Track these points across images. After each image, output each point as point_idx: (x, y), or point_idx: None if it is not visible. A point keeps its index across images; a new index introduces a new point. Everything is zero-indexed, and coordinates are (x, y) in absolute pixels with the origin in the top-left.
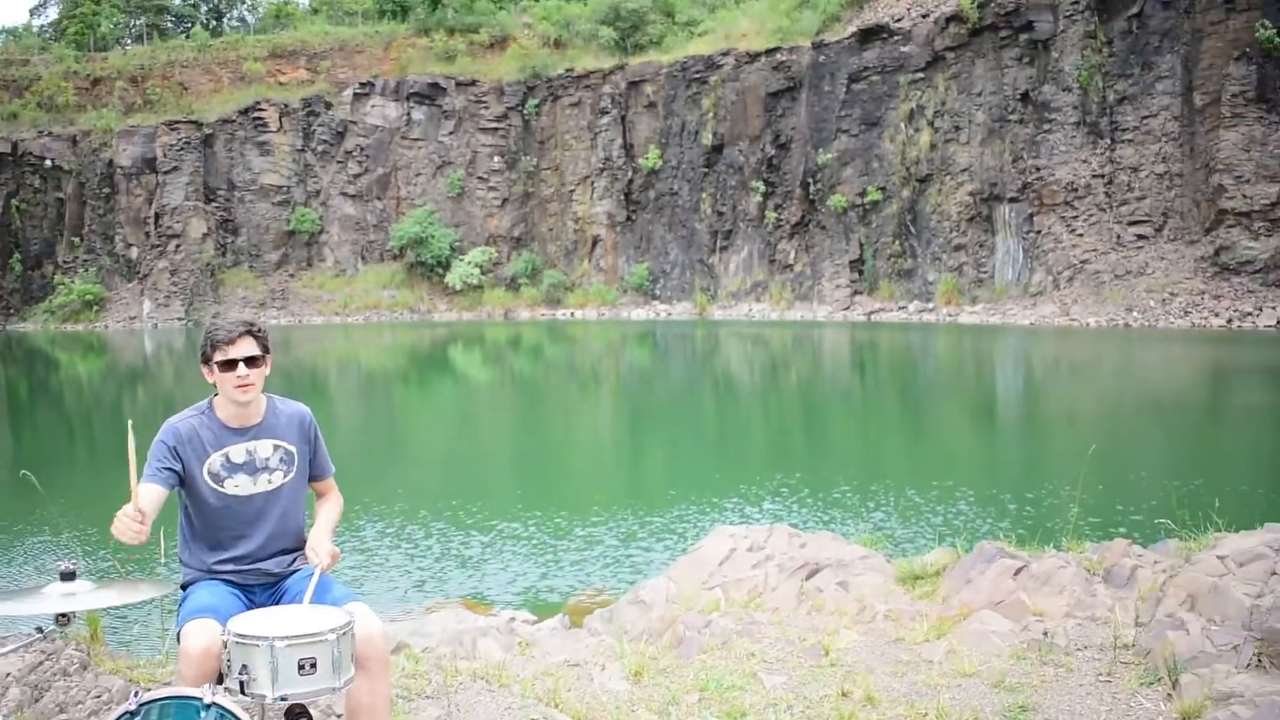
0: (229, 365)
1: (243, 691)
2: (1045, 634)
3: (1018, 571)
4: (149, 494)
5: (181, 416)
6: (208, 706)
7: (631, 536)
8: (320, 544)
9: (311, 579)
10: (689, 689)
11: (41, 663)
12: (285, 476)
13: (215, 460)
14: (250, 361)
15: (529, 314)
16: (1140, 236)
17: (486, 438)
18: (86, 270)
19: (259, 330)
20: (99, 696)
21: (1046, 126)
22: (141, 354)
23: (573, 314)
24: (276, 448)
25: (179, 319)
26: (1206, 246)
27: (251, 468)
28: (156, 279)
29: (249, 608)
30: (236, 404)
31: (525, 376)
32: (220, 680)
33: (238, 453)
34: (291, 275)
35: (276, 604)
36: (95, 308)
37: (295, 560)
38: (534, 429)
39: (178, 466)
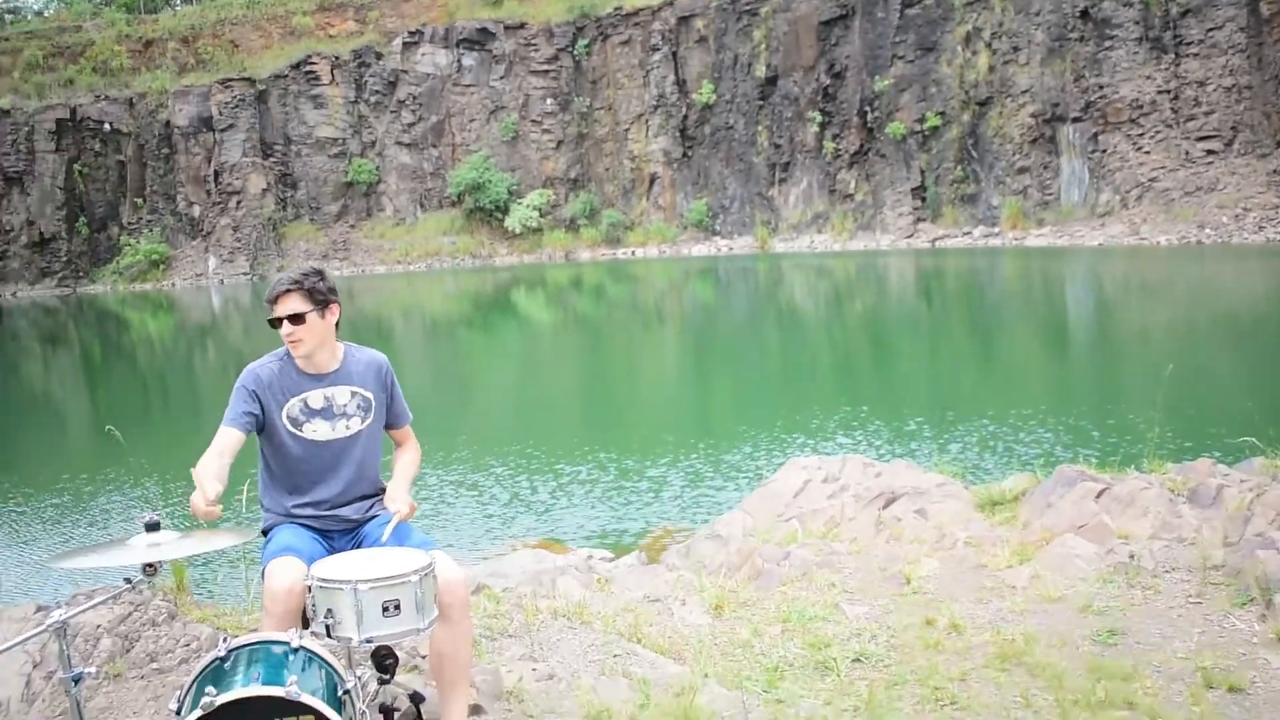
0: (276, 323)
1: (329, 635)
2: (1131, 556)
3: (1099, 494)
4: (228, 439)
5: (262, 362)
6: (295, 650)
7: (701, 474)
8: (398, 495)
9: (389, 524)
10: (771, 621)
11: (130, 614)
12: (363, 423)
13: (294, 405)
14: (295, 319)
15: (589, 255)
16: (1209, 152)
17: (553, 380)
18: (151, 230)
19: (311, 283)
20: (188, 645)
21: (1108, 43)
22: (209, 310)
23: (633, 253)
24: (354, 394)
25: (244, 274)
26: (1279, 160)
27: (329, 413)
28: (220, 236)
29: (329, 553)
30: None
31: (589, 317)
32: (306, 625)
33: (316, 398)
34: (352, 226)
35: (357, 548)
36: (162, 267)
37: (373, 506)
38: (600, 369)
39: (257, 410)
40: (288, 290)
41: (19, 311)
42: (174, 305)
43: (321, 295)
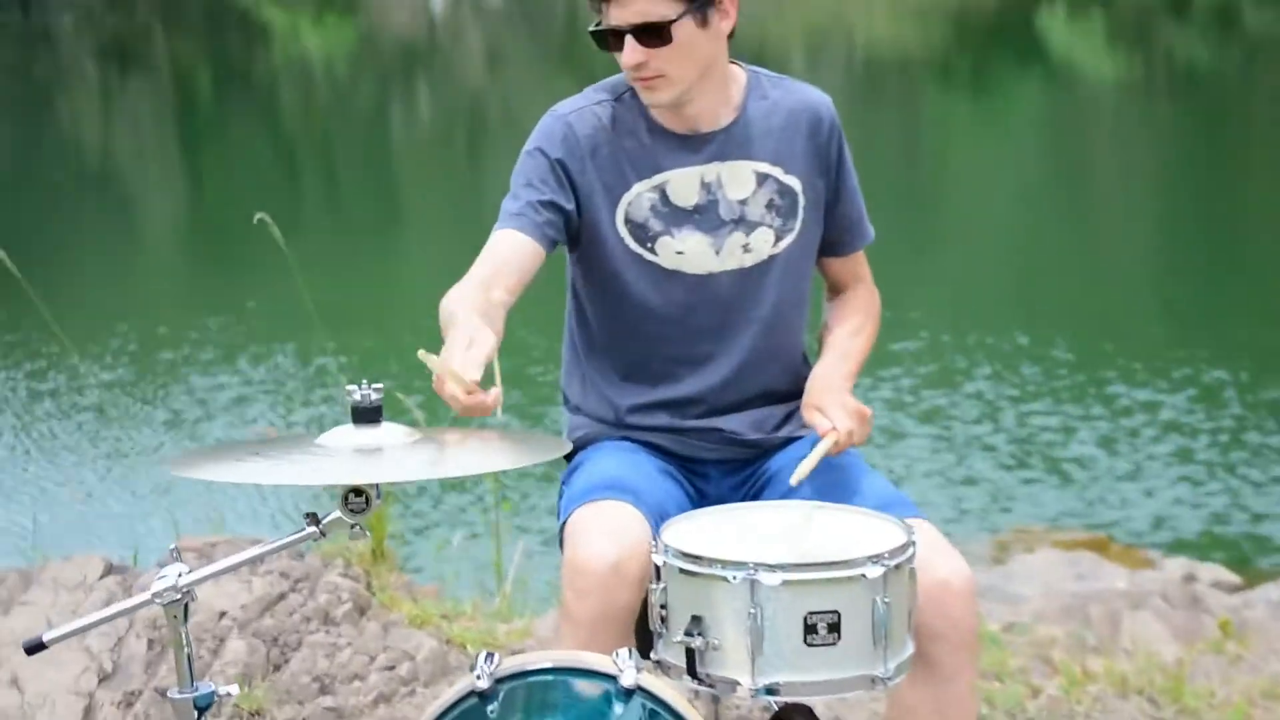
0: (611, 40)
1: (691, 671)
2: None
3: None
4: (507, 253)
5: (579, 103)
6: (626, 694)
7: None
8: (834, 394)
9: (815, 453)
10: None
11: (285, 594)
12: (779, 240)
13: (641, 195)
14: (648, 34)
15: None
16: None
17: (1115, 205)
18: None
19: None
20: (390, 667)
21: None
22: (425, 17)
23: None
24: (763, 179)
25: None
26: None
27: (711, 217)
28: None
29: (697, 503)
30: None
31: (1202, 75)
32: (645, 640)
33: (685, 184)
34: None
35: (752, 499)
36: None
37: (789, 420)
38: (1227, 204)
39: (570, 204)
40: None
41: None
42: (356, 1)
43: None
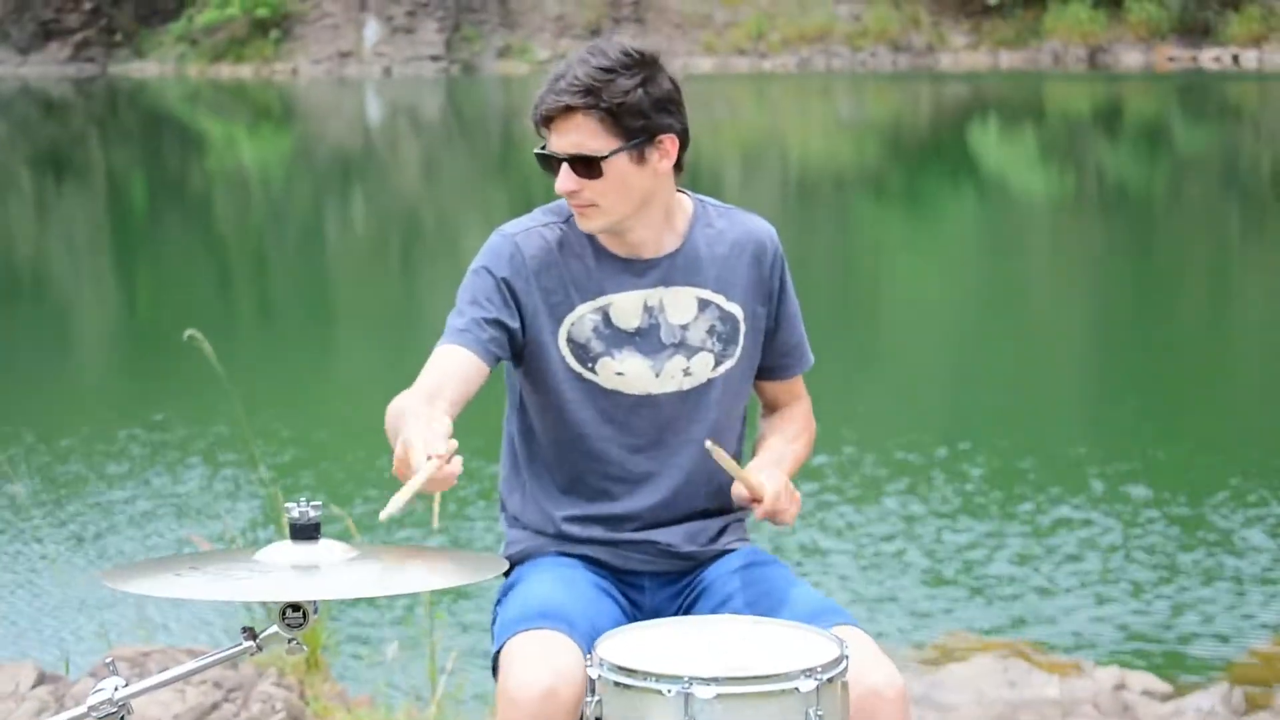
0: (548, 165)
1: None
2: None
3: None
4: (453, 368)
5: (527, 224)
6: None
7: None
8: (764, 475)
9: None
10: None
11: (218, 704)
12: (719, 364)
13: (584, 317)
14: (582, 165)
15: (1141, 56)
16: None
17: (1054, 319)
18: None
19: (620, 92)
20: None
21: None
22: (360, 126)
23: (1234, 58)
24: (705, 305)
25: (432, 57)
26: None
27: (653, 340)
28: None
29: (631, 616)
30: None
31: (1133, 192)
32: None
33: (627, 308)
34: None
35: (685, 612)
36: (273, 35)
37: (724, 533)
38: (1157, 314)
39: (514, 323)
40: (567, 107)
41: None
42: (291, 112)
43: (640, 117)
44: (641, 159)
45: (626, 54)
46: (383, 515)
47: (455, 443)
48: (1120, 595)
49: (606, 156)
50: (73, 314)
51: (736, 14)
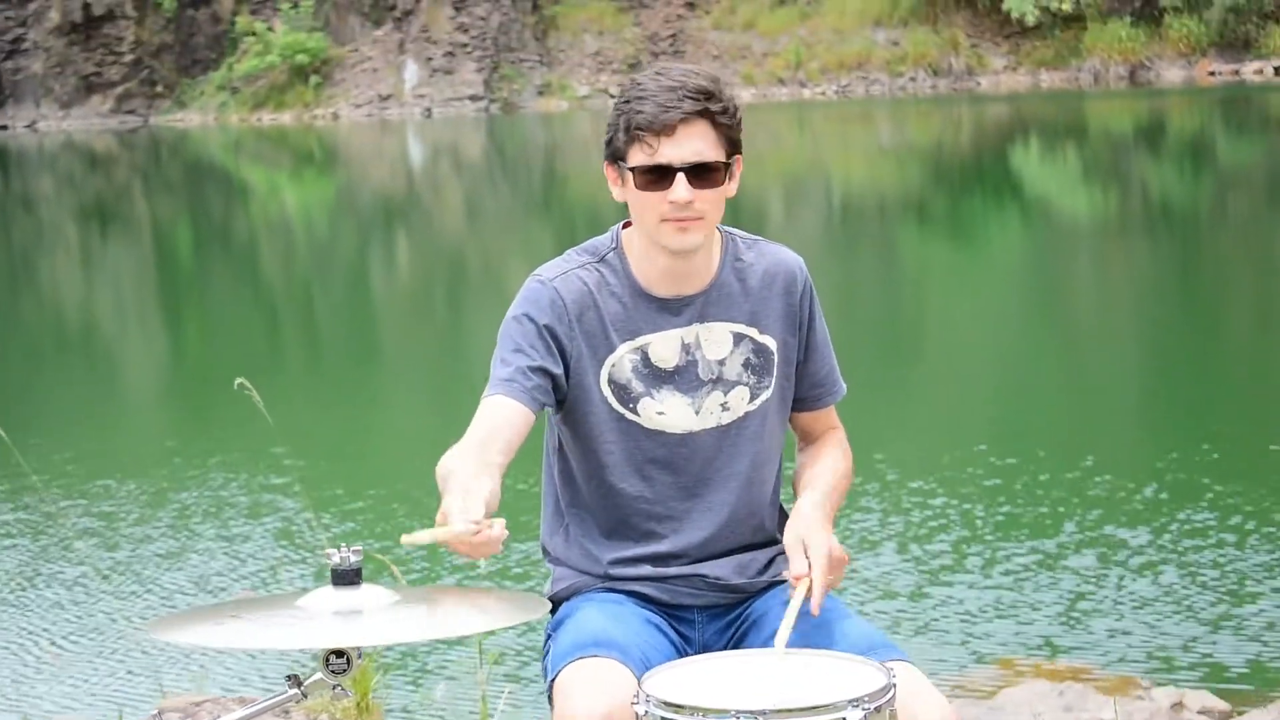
0: (657, 176)
1: None
2: None
3: None
4: (500, 418)
5: (563, 267)
6: None
7: None
8: (813, 535)
9: (787, 614)
10: None
11: None
12: (754, 397)
13: (623, 359)
14: (701, 174)
15: (1182, 72)
16: None
17: (1095, 340)
18: (295, 9)
19: (726, 106)
20: None
21: None
22: (403, 169)
23: (1277, 69)
24: (739, 339)
25: (472, 97)
26: None
27: (690, 378)
28: (428, 23)
29: (683, 650)
30: (671, 252)
31: (1178, 208)
32: None
33: (665, 347)
34: (687, 5)
35: (736, 645)
36: (314, 81)
37: (771, 564)
38: (1205, 332)
39: (558, 369)
40: (698, 111)
41: (42, 159)
42: (333, 156)
43: (740, 132)
44: (732, 176)
45: (713, 74)
46: (403, 539)
47: (493, 508)
48: (1178, 615)
49: (728, 165)
50: (122, 363)
51: (775, 44)
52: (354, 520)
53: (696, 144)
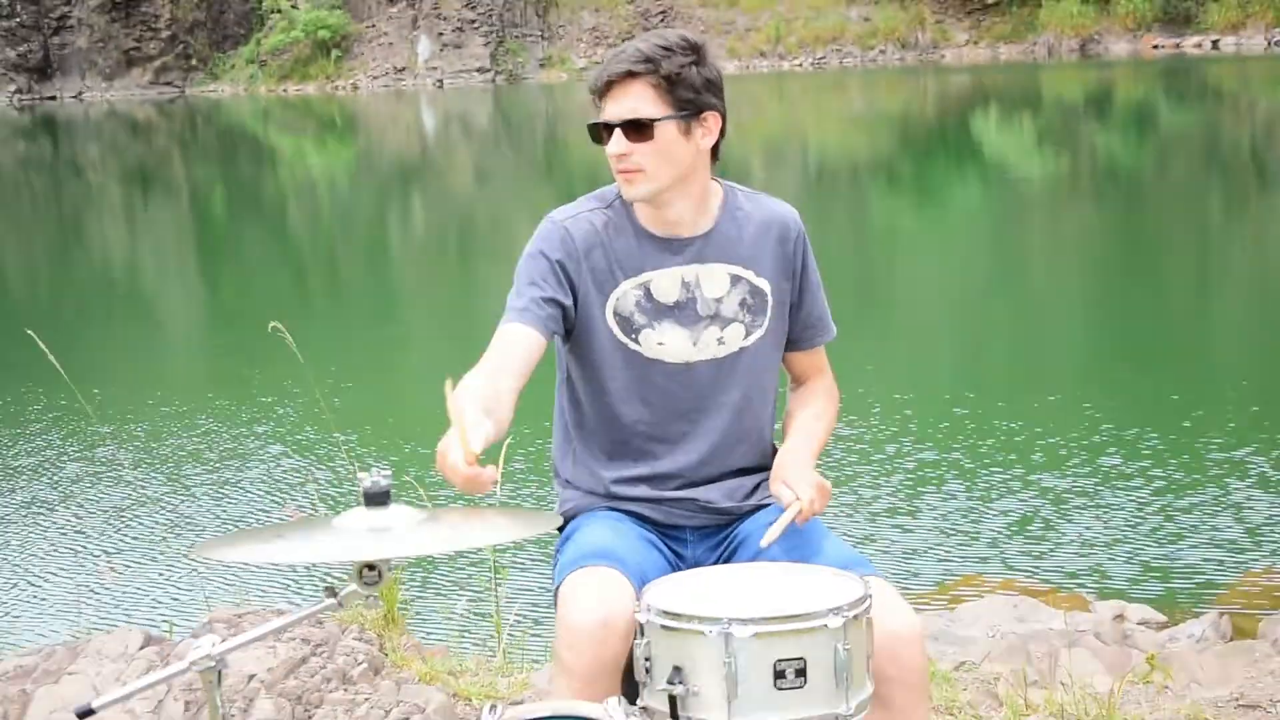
0: (601, 133)
1: (675, 716)
2: None
3: None
4: (512, 346)
5: (574, 210)
6: None
7: None
8: (798, 470)
9: (781, 521)
10: None
11: (306, 658)
12: (749, 334)
13: (627, 293)
14: (635, 130)
15: (1128, 45)
16: None
17: (1053, 291)
18: None
19: (675, 65)
20: None
21: None
22: (417, 135)
23: (1214, 43)
24: (736, 280)
25: (480, 70)
26: None
27: (689, 313)
28: (439, 1)
29: (675, 566)
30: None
31: (1124, 170)
32: (632, 689)
33: (666, 283)
34: None
35: (725, 563)
36: (335, 54)
37: (758, 490)
38: (1147, 282)
39: (568, 300)
40: (629, 72)
41: (89, 126)
42: (354, 124)
43: (690, 90)
44: (687, 131)
45: (682, 38)
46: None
47: (493, 433)
48: (1121, 536)
49: (658, 120)
50: (166, 310)
51: (756, 20)
52: (381, 447)
53: (632, 102)
